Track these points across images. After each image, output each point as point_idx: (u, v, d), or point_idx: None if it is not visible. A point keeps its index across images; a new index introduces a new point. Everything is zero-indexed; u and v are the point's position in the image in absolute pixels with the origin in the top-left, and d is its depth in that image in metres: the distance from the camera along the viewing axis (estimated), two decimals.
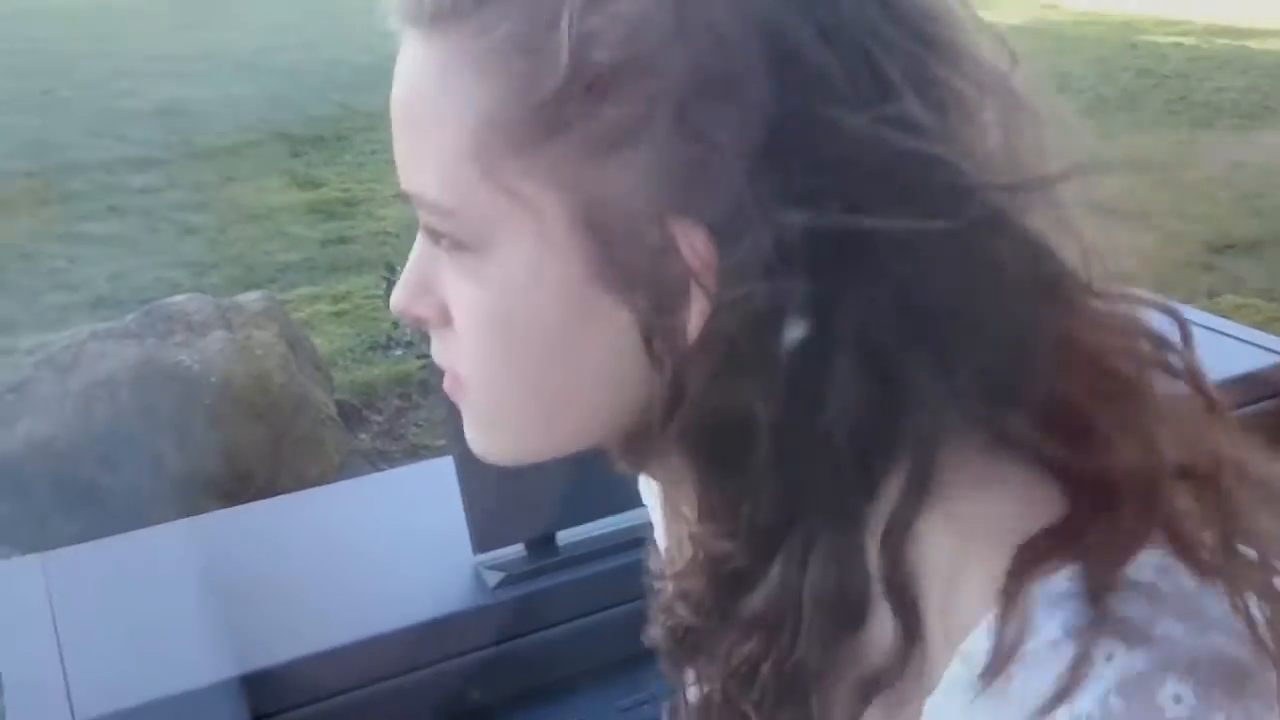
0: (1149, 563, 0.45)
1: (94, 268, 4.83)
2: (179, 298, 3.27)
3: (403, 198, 0.52)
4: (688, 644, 0.58)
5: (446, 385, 0.56)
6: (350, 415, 3.62)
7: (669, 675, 0.64)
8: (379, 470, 3.37)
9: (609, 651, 1.13)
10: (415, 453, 3.48)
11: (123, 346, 2.97)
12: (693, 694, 0.62)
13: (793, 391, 0.47)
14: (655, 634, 0.62)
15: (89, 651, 1.04)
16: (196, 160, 6.18)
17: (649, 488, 0.74)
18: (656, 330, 0.48)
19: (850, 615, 0.50)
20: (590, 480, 1.22)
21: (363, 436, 3.59)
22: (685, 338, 0.48)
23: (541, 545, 1.18)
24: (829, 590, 0.49)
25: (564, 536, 1.19)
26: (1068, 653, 0.42)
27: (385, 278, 3.49)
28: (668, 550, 0.66)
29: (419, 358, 3.56)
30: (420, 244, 0.54)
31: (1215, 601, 0.44)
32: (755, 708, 0.53)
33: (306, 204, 5.63)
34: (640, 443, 0.53)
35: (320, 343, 3.94)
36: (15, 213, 5.40)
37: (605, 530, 1.20)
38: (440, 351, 0.56)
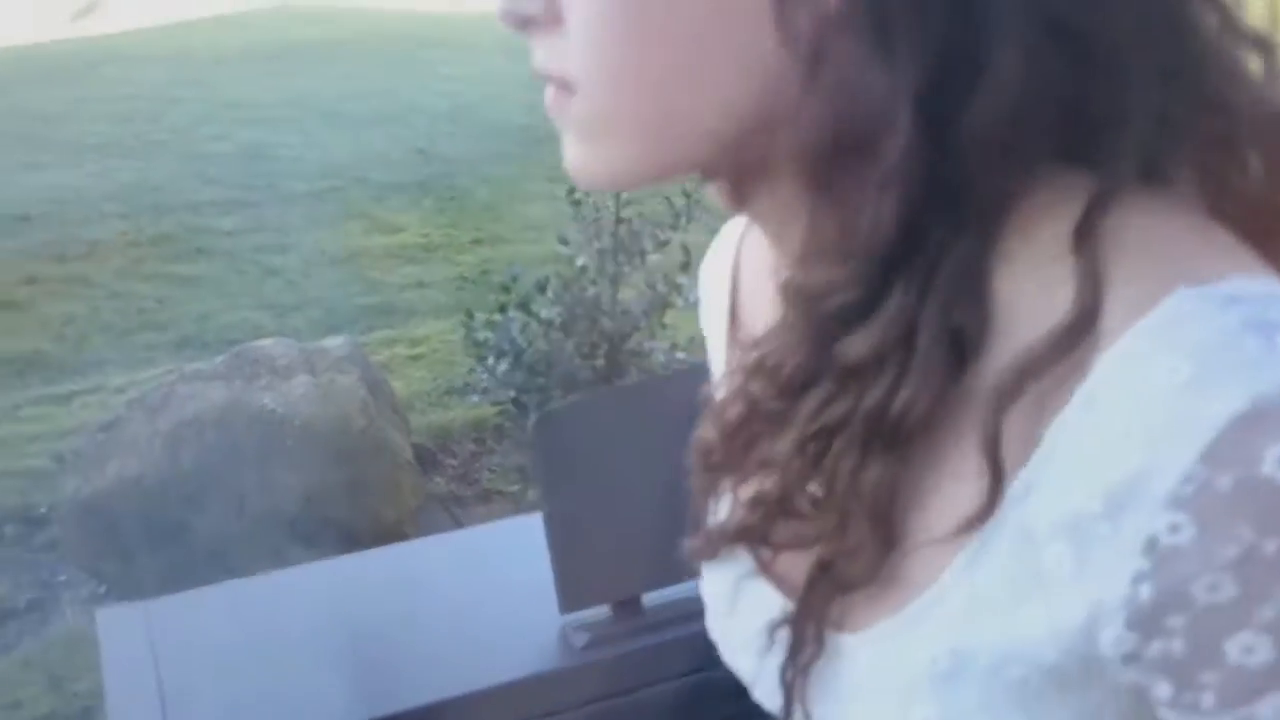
0: None
1: (181, 308, 4.97)
2: (265, 342, 3.35)
3: None
4: (739, 442, 0.55)
5: (551, 98, 0.52)
6: (425, 459, 3.67)
7: (698, 499, 0.62)
8: (453, 514, 3.41)
9: (691, 716, 1.14)
10: (489, 498, 3.51)
11: (210, 388, 3.05)
12: (724, 509, 0.59)
13: (946, 73, 0.43)
14: (695, 449, 0.60)
15: (188, 700, 1.08)
16: (281, 204, 6.33)
17: (709, 315, 0.71)
18: None
19: (967, 348, 0.46)
20: (676, 543, 1.23)
21: (437, 480, 3.63)
22: (826, 5, 0.44)
23: (628, 608, 1.19)
24: (951, 320, 0.45)
25: (650, 599, 1.21)
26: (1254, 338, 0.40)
27: (464, 323, 3.54)
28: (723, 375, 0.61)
29: (494, 404, 3.61)
30: None
31: None
32: (829, 477, 0.49)
33: (386, 248, 5.74)
34: (753, 162, 0.50)
35: (397, 386, 4.00)
36: (108, 253, 5.57)
37: (691, 594, 1.21)
38: (546, 56, 0.51)
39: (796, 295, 0.50)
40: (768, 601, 0.58)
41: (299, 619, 1.16)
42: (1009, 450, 0.44)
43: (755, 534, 0.56)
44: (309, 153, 7.24)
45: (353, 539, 2.98)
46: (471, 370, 4.21)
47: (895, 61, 0.43)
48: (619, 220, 3.50)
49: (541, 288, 3.51)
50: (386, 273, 5.37)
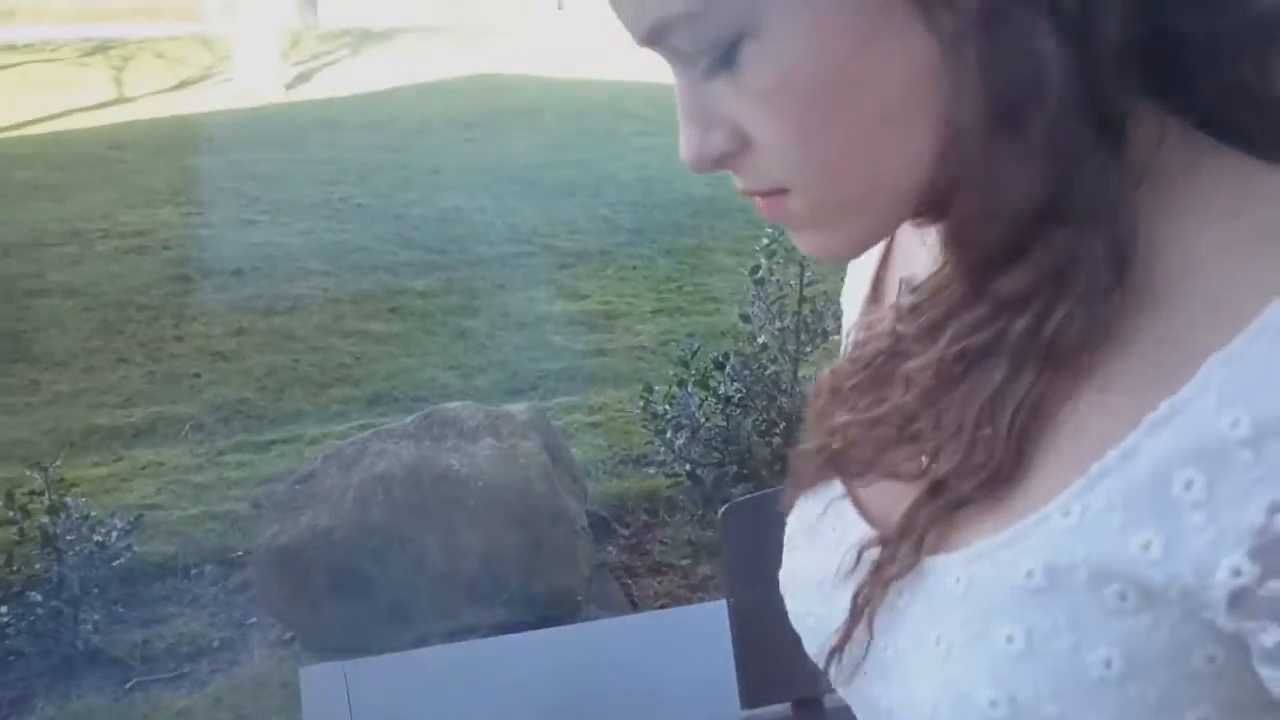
0: None
1: (375, 365, 5.19)
2: (454, 405, 3.47)
3: (649, 43, 0.51)
4: (873, 372, 0.58)
5: (768, 211, 0.54)
6: (599, 527, 3.72)
7: (812, 427, 0.63)
8: (624, 585, 3.44)
9: None
10: (660, 570, 3.52)
11: (401, 447, 3.17)
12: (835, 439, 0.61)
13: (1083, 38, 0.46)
14: (819, 384, 0.62)
15: None
16: (472, 267, 6.57)
17: (851, 287, 0.73)
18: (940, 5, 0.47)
19: (1120, 273, 0.48)
20: None
21: (610, 549, 3.67)
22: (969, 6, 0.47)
23: (808, 708, 1.19)
24: (1103, 248, 0.48)
25: (831, 701, 1.19)
26: None
27: (644, 397, 3.60)
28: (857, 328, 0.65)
29: (669, 476, 3.63)
30: (683, 89, 0.53)
31: None
32: (966, 395, 0.51)
33: (569, 315, 5.88)
34: (944, 182, 0.51)
35: (575, 452, 4.08)
36: (311, 309, 5.88)
37: None
38: (749, 178, 0.54)
39: (953, 247, 0.52)
40: (854, 527, 0.60)
41: (489, 690, 1.20)
42: (1157, 376, 0.47)
43: (863, 458, 0.58)
44: (502, 218, 7.52)
45: (528, 603, 3.04)
46: (648, 441, 4.27)
47: (1045, 39, 0.46)
48: (802, 299, 3.50)
49: (720, 364, 3.54)
50: (570, 339, 5.50)
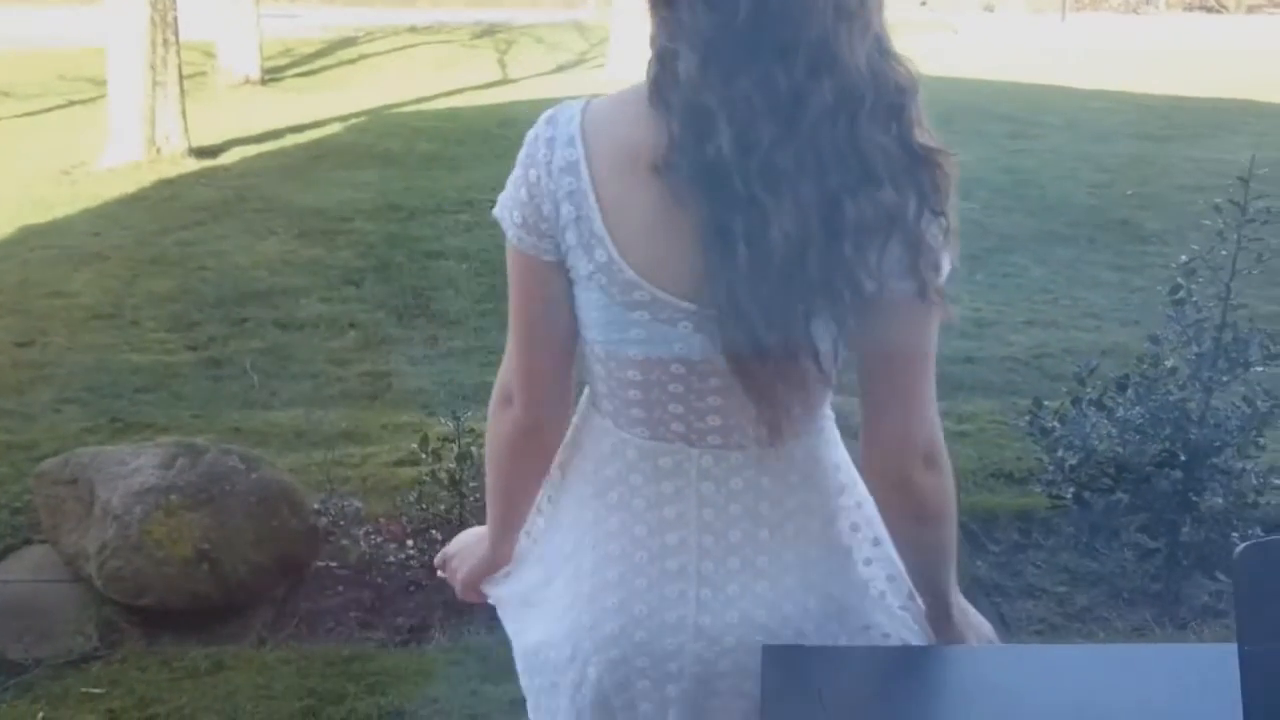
0: None
1: None
2: None
3: None
4: None
5: None
6: (969, 539, 3.60)
7: None
8: (994, 603, 3.31)
9: None
10: (1033, 594, 3.37)
11: None
12: None
13: None
14: None
15: None
16: None
17: None
18: None
19: None
20: None
21: (979, 564, 3.55)
22: None
23: None
24: None
25: None
26: None
27: (1032, 411, 3.44)
28: None
29: (1052, 497, 3.46)
30: None
31: None
32: None
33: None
34: None
35: None
36: None
37: None
38: None
39: None
40: None
41: (964, 696, 1.17)
42: None
43: None
44: None
45: None
46: (1018, 457, 4.09)
47: None
48: (1223, 324, 3.24)
49: (1123, 385, 3.33)
50: (938, 345, 5.36)
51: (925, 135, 1.14)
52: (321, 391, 4.85)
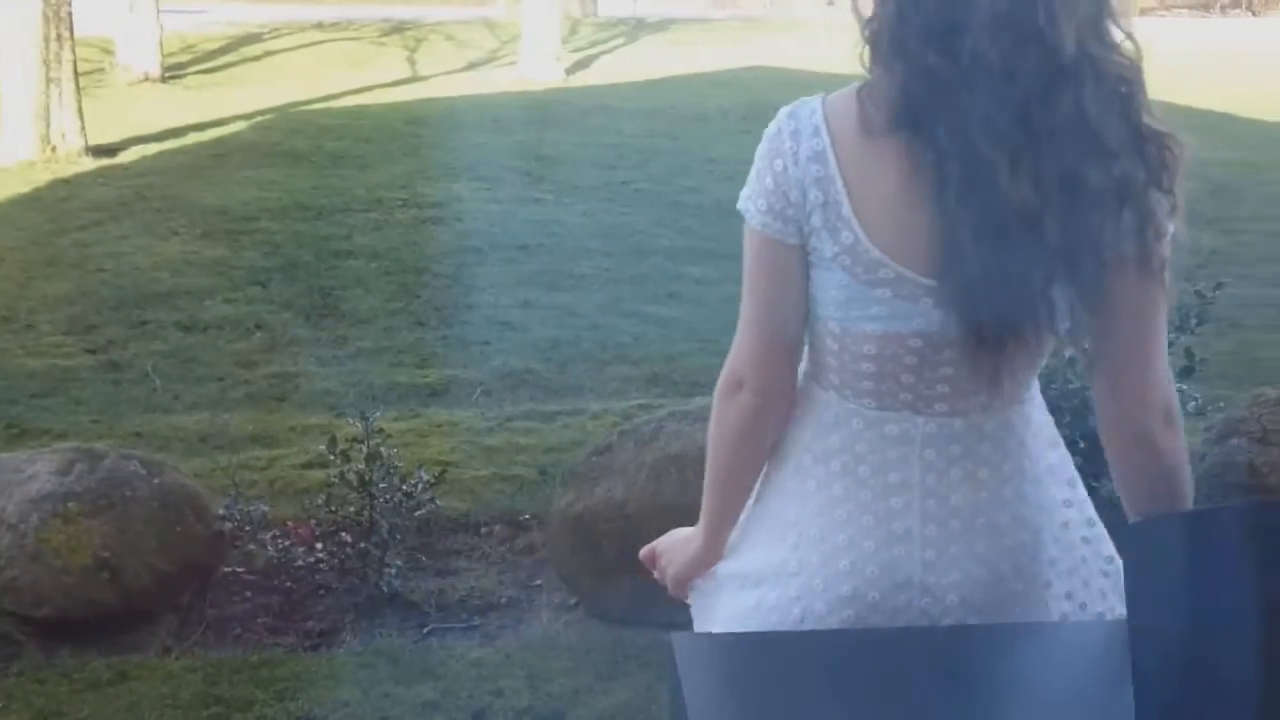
0: None
1: (652, 346, 5.29)
2: None
3: None
4: None
5: None
6: None
7: None
8: None
9: None
10: None
11: (695, 429, 3.20)
12: None
13: None
14: None
15: None
16: None
17: None
18: None
19: None
20: (1267, 684, 1.14)
21: None
22: None
23: None
24: None
25: None
26: None
27: None
28: None
29: None
30: None
31: None
32: None
33: None
34: None
35: None
36: (591, 288, 6.05)
37: None
38: None
39: None
40: None
41: (862, 680, 1.18)
42: None
43: None
44: None
45: None
46: None
47: None
48: None
49: None
50: None
51: (1153, 120, 1.21)
52: (227, 394, 4.75)
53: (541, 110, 11.37)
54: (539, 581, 3.38)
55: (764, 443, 1.37)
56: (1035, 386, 1.36)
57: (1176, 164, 1.21)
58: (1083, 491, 1.40)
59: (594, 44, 17.87)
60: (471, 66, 15.30)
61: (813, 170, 1.23)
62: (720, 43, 17.82)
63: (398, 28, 18.88)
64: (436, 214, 7.16)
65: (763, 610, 1.35)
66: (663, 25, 20.91)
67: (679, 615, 3.20)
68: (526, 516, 3.68)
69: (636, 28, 20.39)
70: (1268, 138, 9.62)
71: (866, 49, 1.24)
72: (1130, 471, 1.29)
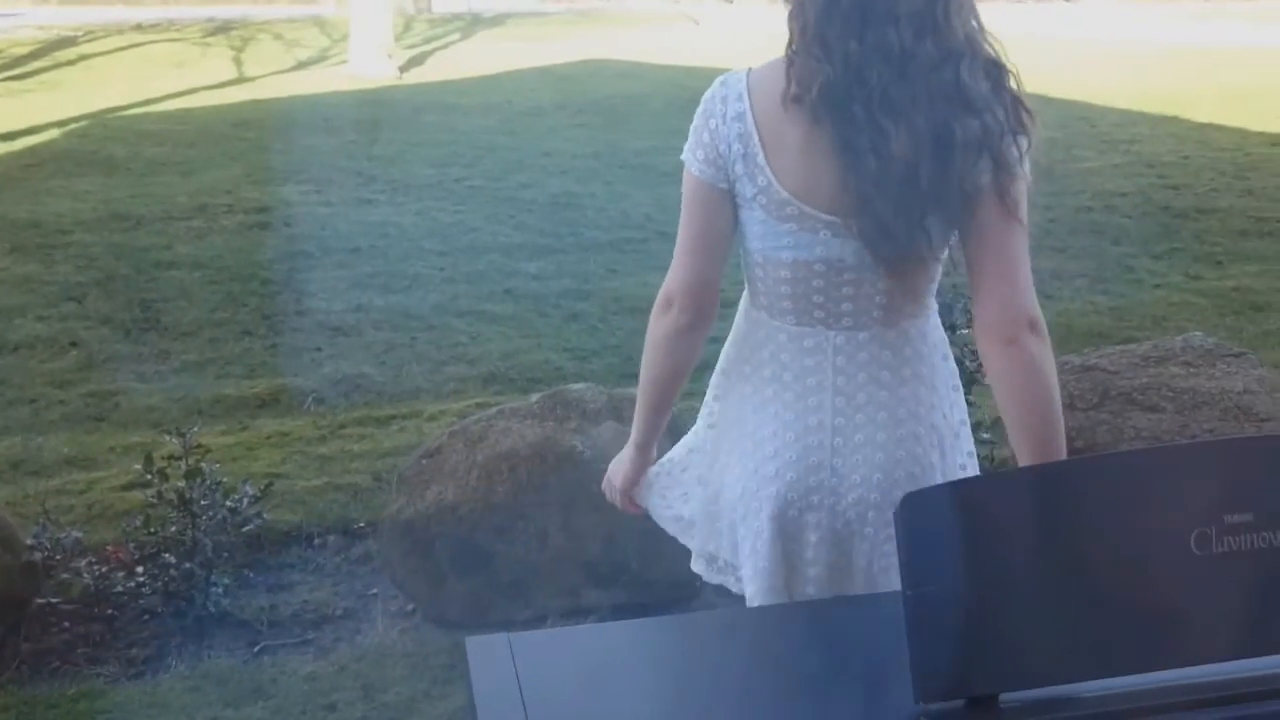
0: None
1: (489, 345, 5.24)
2: (577, 386, 3.48)
3: None
4: None
5: None
6: None
7: None
8: None
9: None
10: None
11: (525, 426, 3.19)
12: None
13: None
14: None
15: None
16: (583, 252, 6.60)
17: None
18: None
19: None
20: (1039, 644, 1.19)
21: None
22: None
23: (984, 705, 1.16)
24: None
25: (1007, 699, 1.16)
26: None
27: None
28: None
29: None
30: None
31: None
32: None
33: None
34: None
35: None
36: (425, 288, 5.96)
37: (1051, 696, 1.16)
38: None
39: None
40: None
41: (654, 670, 1.19)
42: None
43: None
44: (612, 204, 7.53)
45: (647, 587, 3.04)
46: None
47: None
48: None
49: None
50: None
51: (1017, 86, 1.50)
52: (41, 416, 4.53)
53: (374, 109, 11.15)
54: (375, 590, 3.32)
55: (687, 354, 1.64)
56: (933, 306, 1.64)
57: (1032, 120, 1.50)
58: (963, 397, 1.71)
59: (429, 40, 17.61)
60: (301, 66, 14.90)
61: (736, 128, 1.53)
62: (556, 36, 17.77)
63: (223, 27, 18.28)
64: (264, 219, 6.95)
65: (724, 497, 1.67)
66: (499, 20, 20.76)
67: (516, 614, 3.18)
68: (361, 525, 3.61)
69: (472, 23, 20.18)
70: (1073, 115, 10.09)
71: (791, 34, 1.51)
72: (1003, 373, 1.53)
